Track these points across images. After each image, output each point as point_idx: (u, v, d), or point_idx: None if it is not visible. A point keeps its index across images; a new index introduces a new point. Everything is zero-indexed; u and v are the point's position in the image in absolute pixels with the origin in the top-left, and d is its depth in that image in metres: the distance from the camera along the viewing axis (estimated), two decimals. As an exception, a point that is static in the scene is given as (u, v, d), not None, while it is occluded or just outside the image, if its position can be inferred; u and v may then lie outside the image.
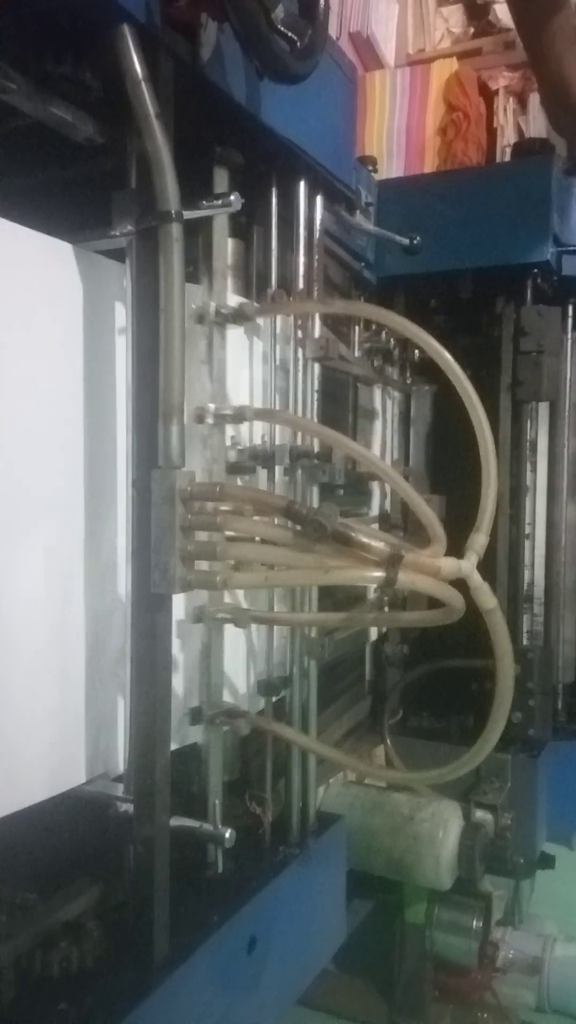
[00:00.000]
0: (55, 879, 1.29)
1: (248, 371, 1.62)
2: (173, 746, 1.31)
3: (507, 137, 4.04)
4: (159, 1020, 1.19)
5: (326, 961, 1.83)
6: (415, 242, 2.24)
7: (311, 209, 1.66)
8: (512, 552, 2.36)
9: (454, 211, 2.30)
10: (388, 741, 2.42)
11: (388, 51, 4.29)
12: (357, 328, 2.28)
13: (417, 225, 2.27)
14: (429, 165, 4.00)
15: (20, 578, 1.20)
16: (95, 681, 1.33)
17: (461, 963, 2.54)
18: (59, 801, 1.27)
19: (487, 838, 2.07)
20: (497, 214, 2.25)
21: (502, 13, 4.07)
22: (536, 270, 2.27)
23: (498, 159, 3.93)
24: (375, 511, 2.38)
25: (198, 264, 1.47)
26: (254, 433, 1.61)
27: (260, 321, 1.64)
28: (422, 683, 2.50)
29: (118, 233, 1.27)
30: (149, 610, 1.23)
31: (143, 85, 1.13)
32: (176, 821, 1.31)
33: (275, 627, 1.64)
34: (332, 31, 3.94)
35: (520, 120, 4.12)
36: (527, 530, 2.36)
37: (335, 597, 1.91)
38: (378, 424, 2.45)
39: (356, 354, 2.25)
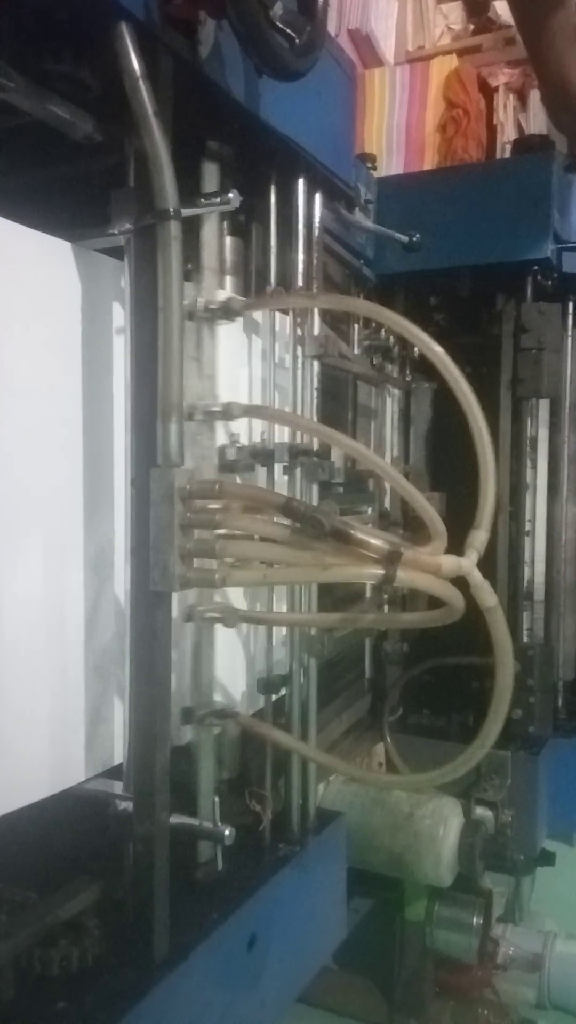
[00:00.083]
0: (54, 877, 1.29)
1: (246, 368, 1.62)
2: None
3: (507, 134, 4.03)
4: (159, 1018, 1.19)
5: (326, 959, 1.83)
6: (415, 239, 2.23)
7: (310, 206, 1.66)
8: (512, 549, 2.37)
9: (454, 208, 2.30)
10: (388, 739, 2.42)
11: (387, 48, 4.28)
12: (356, 326, 2.28)
13: (417, 222, 2.27)
14: (429, 162, 3.99)
15: (19, 577, 1.20)
16: (94, 679, 1.33)
17: (461, 960, 2.54)
18: (58, 799, 1.27)
19: (487, 835, 2.08)
20: (497, 211, 2.25)
21: (502, 10, 4.06)
22: (536, 267, 2.27)
23: (498, 156, 3.92)
24: (376, 509, 2.38)
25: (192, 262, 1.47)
26: (253, 431, 1.61)
27: (259, 318, 1.64)
28: (422, 680, 2.51)
29: (116, 231, 1.26)
30: (148, 608, 1.23)
31: (141, 83, 1.13)
32: (176, 819, 1.31)
33: (274, 625, 1.64)
34: (331, 28, 3.94)
35: (520, 117, 4.11)
36: (527, 527, 2.36)
37: (335, 596, 1.91)
38: (378, 422, 2.45)
39: (355, 352, 2.25)
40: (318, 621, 1.66)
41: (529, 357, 2.27)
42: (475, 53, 4.22)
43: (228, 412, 1.46)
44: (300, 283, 1.64)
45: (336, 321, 2.15)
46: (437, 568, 1.16)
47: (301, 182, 1.63)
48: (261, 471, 1.59)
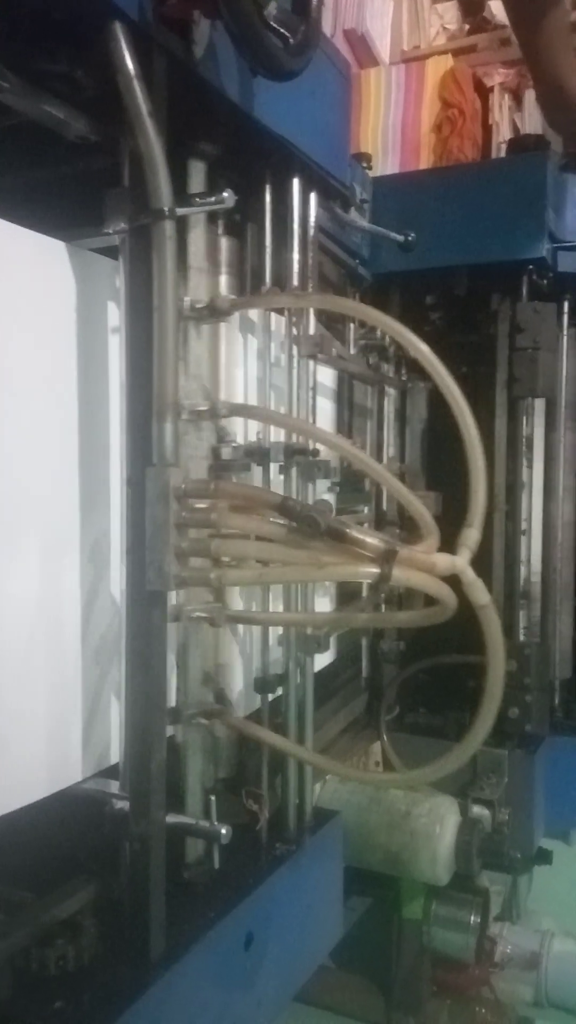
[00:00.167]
0: (51, 877, 1.29)
1: (241, 368, 1.62)
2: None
3: (503, 134, 4.04)
4: (156, 1017, 1.19)
5: (323, 957, 1.84)
6: (410, 239, 2.24)
7: (305, 206, 1.66)
8: (508, 548, 2.37)
9: (449, 208, 2.31)
10: (384, 737, 2.42)
11: (383, 48, 4.29)
12: (352, 325, 2.28)
13: (412, 222, 2.27)
14: (424, 162, 4.00)
15: (14, 576, 1.20)
16: (90, 679, 1.33)
17: (459, 959, 2.54)
18: (54, 799, 1.27)
19: (484, 833, 2.08)
20: (492, 211, 2.25)
21: (497, 9, 4.07)
22: (531, 266, 2.28)
23: (494, 156, 3.93)
24: (372, 508, 2.38)
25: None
26: (250, 430, 1.61)
27: (254, 317, 1.64)
28: (418, 679, 2.51)
29: (111, 231, 1.27)
30: (144, 607, 1.23)
31: (135, 83, 1.13)
32: (172, 818, 1.31)
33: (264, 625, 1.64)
34: (327, 28, 3.94)
35: (516, 117, 4.12)
36: (523, 526, 2.36)
37: (342, 593, 1.92)
38: (374, 422, 2.45)
39: (351, 351, 2.25)
40: (308, 620, 1.66)
41: (525, 356, 2.28)
42: (470, 53, 4.24)
43: (215, 411, 1.46)
44: (295, 282, 1.64)
45: (332, 321, 2.15)
46: (432, 567, 1.16)
47: (296, 181, 1.63)
48: (257, 470, 1.59)
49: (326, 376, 2.13)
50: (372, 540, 1.19)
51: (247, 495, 1.30)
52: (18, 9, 1.11)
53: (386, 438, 2.51)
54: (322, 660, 1.96)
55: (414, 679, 2.50)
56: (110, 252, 1.32)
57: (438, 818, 1.97)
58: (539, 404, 2.42)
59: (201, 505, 1.24)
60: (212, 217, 1.55)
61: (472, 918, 2.48)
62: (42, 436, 1.24)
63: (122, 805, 1.28)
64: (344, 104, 1.77)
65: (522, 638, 2.35)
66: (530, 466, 2.38)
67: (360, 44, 4.20)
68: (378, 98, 4.13)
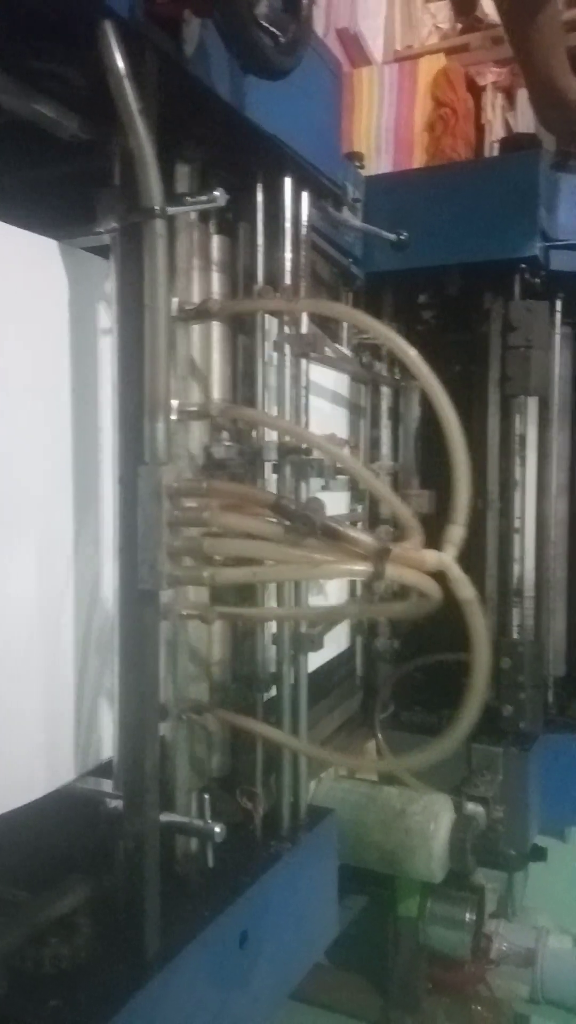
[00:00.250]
0: (45, 876, 1.29)
1: (231, 367, 1.62)
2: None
3: (495, 133, 4.05)
4: (151, 1015, 1.19)
5: (319, 955, 1.84)
6: (403, 237, 2.24)
7: (297, 205, 1.66)
8: (502, 547, 2.37)
9: (442, 207, 2.31)
10: (379, 736, 2.42)
11: (376, 47, 4.29)
12: (346, 324, 2.28)
13: (405, 221, 2.27)
14: (417, 161, 4.00)
15: (7, 576, 1.20)
16: (83, 678, 1.33)
17: (454, 956, 2.54)
18: (48, 798, 1.27)
19: (479, 831, 2.08)
20: (485, 209, 2.25)
21: (489, 8, 4.08)
22: (524, 265, 2.28)
23: (486, 155, 3.93)
24: (366, 507, 2.39)
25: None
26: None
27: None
28: (413, 677, 2.51)
29: (102, 230, 1.27)
30: (136, 606, 1.23)
31: (126, 81, 1.13)
32: (166, 817, 1.31)
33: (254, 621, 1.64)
34: (319, 28, 3.95)
35: (508, 116, 4.13)
36: (517, 524, 2.36)
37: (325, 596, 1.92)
38: (368, 420, 2.45)
39: (345, 350, 2.25)
40: (298, 614, 1.66)
41: (517, 355, 2.28)
42: (463, 52, 4.25)
43: (205, 411, 1.46)
44: (288, 282, 1.64)
45: (326, 319, 2.15)
46: (422, 563, 1.18)
47: (288, 180, 1.63)
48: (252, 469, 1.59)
49: (341, 381, 2.13)
50: (366, 538, 1.20)
51: (240, 494, 1.31)
52: (9, 8, 1.11)
53: (380, 437, 2.51)
54: (317, 659, 1.96)
55: (409, 677, 2.51)
56: (102, 251, 1.33)
57: (433, 816, 1.98)
58: (532, 402, 2.42)
59: (193, 504, 1.24)
60: (204, 216, 1.56)
61: (468, 916, 2.49)
62: (34, 434, 1.24)
63: (116, 804, 1.29)
64: (336, 103, 1.78)
65: (516, 636, 2.35)
66: (523, 464, 2.38)
67: (353, 43, 4.21)
68: (371, 97, 4.13)
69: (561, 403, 2.55)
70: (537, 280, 2.35)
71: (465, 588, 1.21)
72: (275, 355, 1.66)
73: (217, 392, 1.60)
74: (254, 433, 1.60)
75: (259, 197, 1.62)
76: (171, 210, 1.19)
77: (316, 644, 1.77)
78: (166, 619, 1.38)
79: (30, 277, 1.23)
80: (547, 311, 2.36)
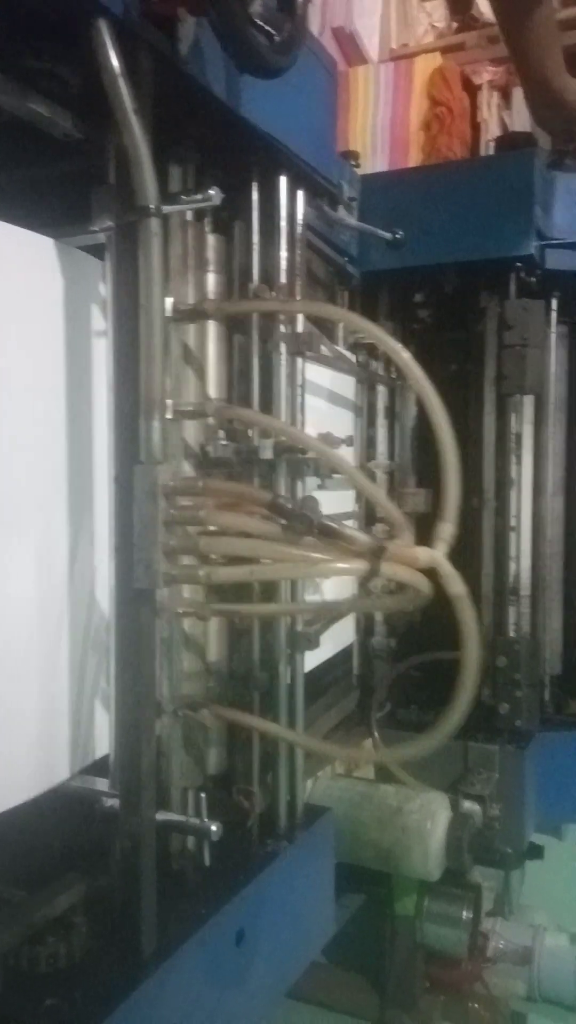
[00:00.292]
0: (42, 875, 1.29)
1: (227, 366, 1.62)
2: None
3: (491, 132, 4.05)
4: (148, 1014, 1.19)
5: (315, 954, 1.84)
6: (398, 236, 2.24)
7: (293, 203, 1.66)
8: (498, 545, 2.38)
9: (437, 205, 2.31)
10: (376, 734, 2.42)
11: (371, 46, 4.29)
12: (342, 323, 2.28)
13: (400, 219, 2.28)
14: (413, 160, 4.00)
15: (3, 575, 1.20)
16: (78, 676, 1.33)
17: (452, 954, 2.54)
18: (44, 797, 1.27)
19: (475, 829, 2.08)
20: (480, 208, 2.26)
21: (485, 7, 4.08)
22: (519, 264, 2.28)
23: (482, 154, 3.94)
24: (363, 506, 2.39)
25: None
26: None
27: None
28: (410, 676, 2.51)
29: (98, 229, 1.27)
30: (132, 605, 1.23)
31: (120, 80, 1.13)
32: (162, 815, 1.31)
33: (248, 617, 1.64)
34: (315, 26, 3.95)
35: (504, 115, 4.13)
36: (513, 523, 2.37)
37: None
38: (364, 419, 2.45)
39: (341, 349, 2.25)
40: (292, 610, 1.66)
41: (513, 353, 2.28)
42: (459, 51, 4.24)
43: (201, 411, 1.46)
44: (283, 280, 1.64)
45: (322, 317, 2.15)
46: (415, 560, 1.19)
47: (283, 179, 1.63)
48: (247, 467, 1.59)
49: (339, 379, 2.13)
50: (362, 537, 1.21)
51: (236, 493, 1.31)
52: (3, 6, 1.11)
53: (377, 435, 2.51)
54: (315, 658, 1.97)
55: (405, 676, 2.51)
56: (97, 250, 1.32)
57: (429, 814, 1.98)
58: (528, 401, 2.43)
59: (189, 503, 1.24)
60: (199, 215, 1.56)
61: (464, 914, 2.49)
62: (29, 433, 1.24)
63: (112, 803, 1.29)
64: (331, 101, 1.77)
65: (512, 634, 2.35)
66: (519, 462, 2.38)
67: (348, 42, 4.21)
68: (367, 96, 4.13)
69: (557, 401, 2.56)
70: (533, 279, 2.35)
71: (456, 584, 1.23)
72: (272, 354, 1.66)
73: (213, 391, 1.60)
74: (251, 432, 1.60)
75: (254, 196, 1.62)
76: (166, 209, 1.20)
77: (313, 643, 1.77)
78: (161, 616, 1.38)
79: (26, 275, 1.23)
80: (543, 310, 2.36)
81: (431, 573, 1.25)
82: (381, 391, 2.52)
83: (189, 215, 1.52)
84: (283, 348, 1.64)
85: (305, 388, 1.72)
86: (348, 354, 2.25)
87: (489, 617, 2.36)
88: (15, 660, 1.22)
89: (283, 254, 1.64)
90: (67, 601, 1.32)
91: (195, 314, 1.43)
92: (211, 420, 1.54)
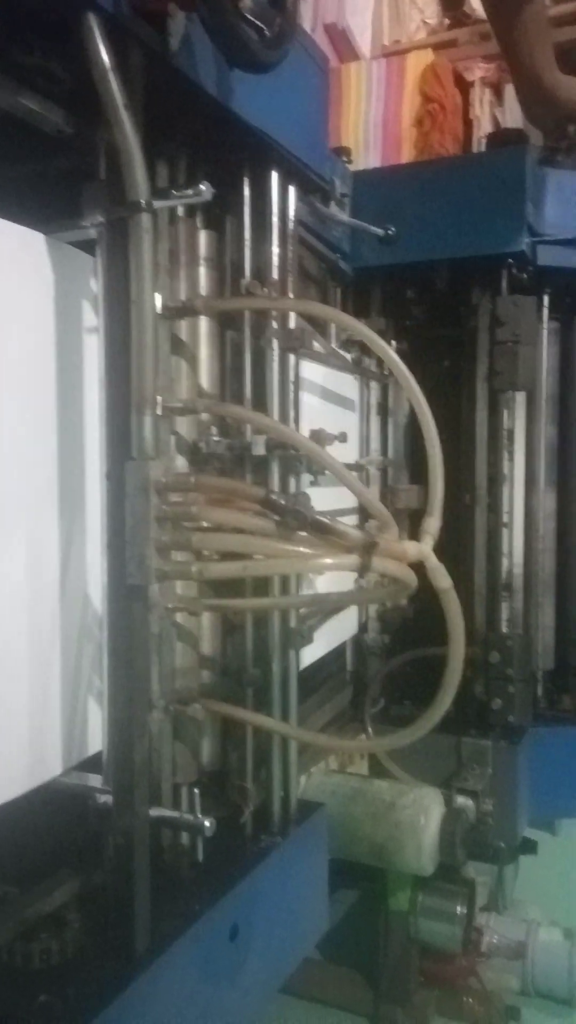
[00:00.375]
0: (35, 872, 1.29)
1: (219, 363, 1.62)
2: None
3: (483, 128, 4.06)
4: (141, 1010, 1.19)
5: (309, 949, 1.84)
6: (390, 232, 2.24)
7: (284, 199, 1.66)
8: (490, 541, 2.38)
9: (429, 202, 2.31)
10: (369, 730, 2.43)
11: (363, 42, 4.29)
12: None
13: (392, 216, 2.28)
14: (406, 157, 4.01)
15: (-5, 571, 1.20)
16: (71, 672, 1.33)
17: (446, 949, 2.55)
18: (37, 794, 1.27)
19: (469, 824, 2.09)
20: (472, 204, 2.26)
21: (476, 4, 4.08)
22: (511, 260, 2.29)
23: (475, 150, 3.94)
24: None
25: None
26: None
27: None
28: (403, 672, 2.52)
29: (88, 224, 1.26)
30: (125, 600, 1.23)
31: (111, 75, 1.13)
32: (156, 811, 1.32)
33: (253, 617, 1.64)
34: (307, 23, 3.95)
35: (496, 111, 4.14)
36: (505, 519, 2.37)
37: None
38: (356, 415, 2.46)
39: (333, 345, 2.25)
40: (283, 603, 1.66)
41: (505, 350, 2.28)
42: (451, 47, 4.25)
43: (191, 408, 1.46)
44: (275, 277, 1.64)
45: (310, 315, 2.15)
46: (404, 554, 1.20)
47: (275, 175, 1.63)
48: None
49: (333, 375, 2.13)
50: (354, 532, 1.21)
51: (229, 488, 1.31)
52: (-8, 2, 1.11)
53: (370, 432, 2.51)
54: (312, 654, 1.97)
55: (399, 672, 2.51)
56: (88, 246, 1.32)
57: (423, 809, 1.98)
58: (520, 397, 2.43)
59: (181, 499, 1.24)
60: (191, 211, 1.55)
61: (459, 909, 2.50)
62: (19, 429, 1.24)
63: (105, 799, 1.29)
64: (322, 97, 1.77)
65: (505, 630, 2.36)
66: (511, 459, 2.39)
67: (341, 38, 4.21)
68: (359, 93, 4.13)
69: (549, 398, 2.56)
70: (524, 275, 2.35)
71: (442, 577, 1.25)
72: (264, 350, 1.66)
73: (206, 387, 1.60)
74: (243, 428, 1.60)
75: (246, 191, 1.62)
76: (157, 204, 1.19)
77: (306, 639, 1.77)
78: (153, 612, 1.38)
79: (17, 271, 1.23)
80: (535, 306, 2.37)
81: (420, 567, 1.26)
82: (374, 387, 2.52)
83: (181, 211, 1.52)
84: (275, 344, 1.64)
85: (299, 385, 1.72)
86: (341, 351, 2.25)
87: (482, 613, 2.36)
88: (5, 656, 1.22)
89: (275, 250, 1.64)
90: (59, 597, 1.32)
91: (186, 310, 1.43)
92: (203, 416, 1.55)
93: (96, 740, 1.37)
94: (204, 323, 1.60)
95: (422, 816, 1.97)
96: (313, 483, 1.98)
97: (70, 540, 1.33)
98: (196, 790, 1.41)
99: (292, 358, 1.69)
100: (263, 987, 1.55)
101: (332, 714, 2.34)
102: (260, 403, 1.63)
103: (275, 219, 1.64)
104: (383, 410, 2.56)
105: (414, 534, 1.34)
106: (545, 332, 2.52)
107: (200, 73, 1.32)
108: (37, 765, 1.28)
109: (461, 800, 2.16)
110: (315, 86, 1.72)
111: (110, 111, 1.14)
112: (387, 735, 1.37)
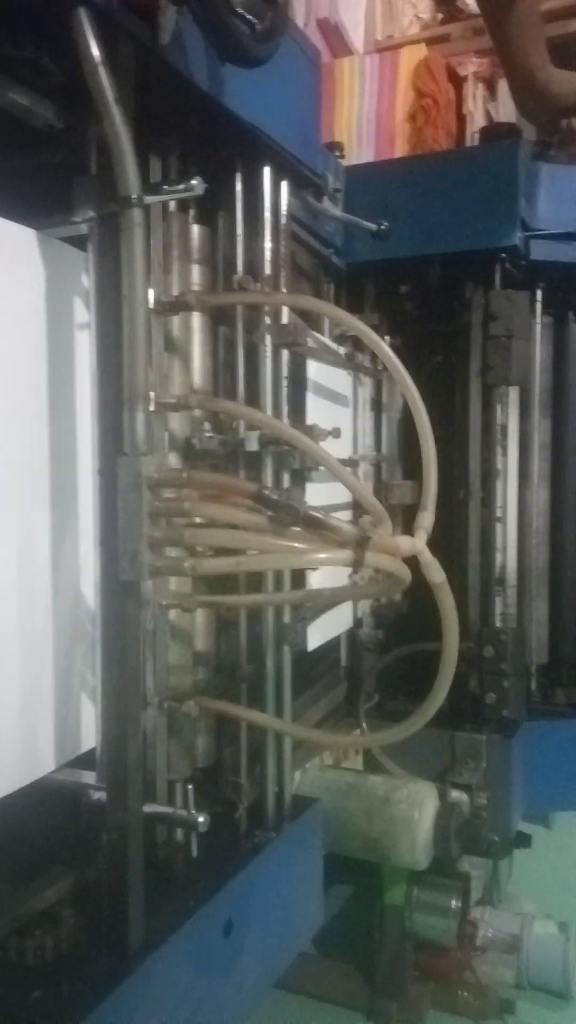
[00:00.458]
0: (29, 868, 1.28)
1: (212, 359, 1.62)
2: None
3: (476, 123, 4.05)
4: (135, 1005, 1.19)
5: (304, 944, 1.85)
6: (383, 227, 2.24)
7: (276, 194, 1.66)
8: (484, 535, 2.39)
9: (422, 196, 2.31)
10: (364, 725, 2.43)
11: (356, 38, 4.28)
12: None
13: (386, 211, 2.28)
14: (399, 152, 4.00)
15: (-13, 567, 1.19)
16: (63, 669, 1.33)
17: (441, 943, 2.56)
18: (31, 790, 1.27)
19: (462, 817, 2.10)
20: (465, 199, 2.26)
21: (470, -1, 4.08)
22: (504, 255, 2.29)
23: (468, 145, 3.93)
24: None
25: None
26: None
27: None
28: (397, 667, 2.52)
29: (80, 219, 1.26)
30: (118, 597, 1.22)
31: (101, 69, 1.12)
32: (150, 807, 1.31)
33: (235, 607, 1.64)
34: (300, 18, 3.93)
35: (489, 106, 4.13)
36: (499, 513, 2.38)
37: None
38: (350, 411, 2.45)
39: (327, 340, 2.25)
40: (277, 600, 1.66)
41: (498, 344, 2.29)
42: (444, 43, 4.24)
43: (185, 403, 1.46)
44: (268, 271, 1.64)
45: (303, 310, 2.15)
46: (396, 549, 1.20)
47: (267, 170, 1.62)
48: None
49: (324, 371, 2.13)
50: (346, 527, 1.21)
51: (221, 484, 1.31)
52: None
53: (363, 427, 2.51)
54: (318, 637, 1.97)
55: (393, 667, 2.52)
56: (80, 242, 1.32)
57: (417, 803, 1.99)
58: (513, 392, 2.43)
59: (174, 494, 1.24)
60: (183, 206, 1.55)
61: (453, 903, 2.51)
62: (11, 425, 1.23)
63: (99, 795, 1.28)
64: (315, 92, 1.77)
65: (499, 624, 2.36)
66: (505, 454, 2.39)
67: (334, 33, 4.19)
68: (352, 88, 4.12)
69: (542, 392, 2.56)
70: (517, 270, 2.35)
71: (436, 572, 1.25)
72: (257, 346, 1.66)
73: (198, 383, 1.60)
74: (236, 424, 1.60)
75: (238, 186, 1.61)
76: (148, 199, 1.19)
77: (299, 634, 1.77)
78: (146, 608, 1.38)
79: (8, 267, 1.22)
80: (527, 301, 2.37)
81: (413, 562, 1.25)
82: (367, 383, 2.52)
83: (173, 206, 1.51)
84: (268, 340, 1.64)
85: (291, 380, 1.72)
86: (335, 346, 2.25)
87: (476, 607, 2.37)
88: None
89: (267, 245, 1.63)
90: (52, 594, 1.31)
91: (178, 305, 1.42)
92: (196, 412, 1.54)
93: (90, 737, 1.37)
94: (197, 319, 1.59)
95: (416, 811, 1.98)
96: (307, 478, 1.99)
97: (63, 536, 1.33)
98: (190, 786, 1.41)
99: (285, 354, 1.68)
100: (258, 982, 1.55)
101: (327, 709, 2.35)
102: (253, 399, 1.63)
103: (268, 214, 1.63)
104: (376, 406, 2.56)
105: (408, 530, 1.34)
106: (538, 327, 2.52)
107: (191, 68, 1.32)
108: (30, 761, 1.27)
109: (455, 794, 2.16)
110: (307, 81, 1.72)
111: (101, 105, 1.13)
112: (382, 730, 1.37)
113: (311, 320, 2.13)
